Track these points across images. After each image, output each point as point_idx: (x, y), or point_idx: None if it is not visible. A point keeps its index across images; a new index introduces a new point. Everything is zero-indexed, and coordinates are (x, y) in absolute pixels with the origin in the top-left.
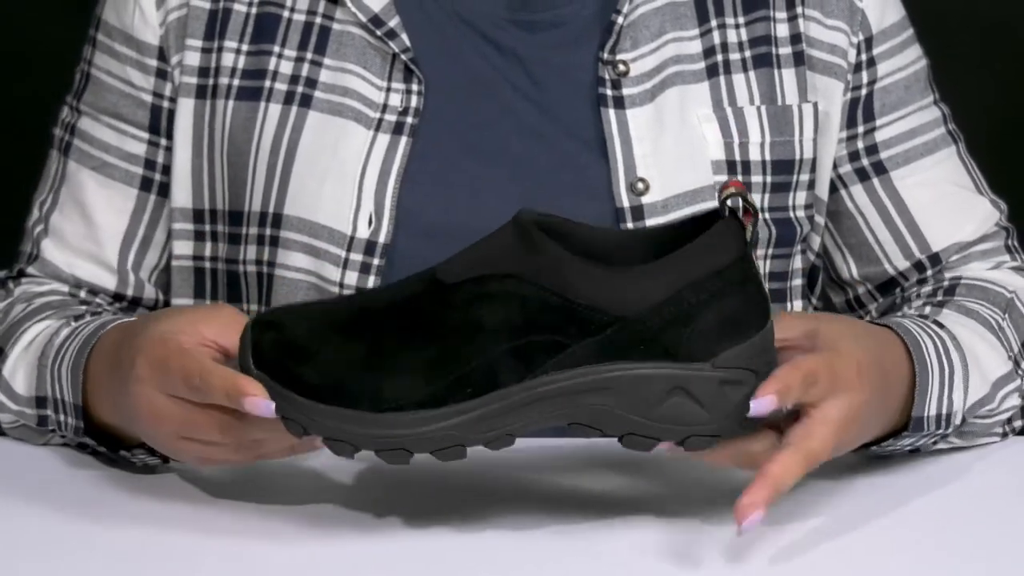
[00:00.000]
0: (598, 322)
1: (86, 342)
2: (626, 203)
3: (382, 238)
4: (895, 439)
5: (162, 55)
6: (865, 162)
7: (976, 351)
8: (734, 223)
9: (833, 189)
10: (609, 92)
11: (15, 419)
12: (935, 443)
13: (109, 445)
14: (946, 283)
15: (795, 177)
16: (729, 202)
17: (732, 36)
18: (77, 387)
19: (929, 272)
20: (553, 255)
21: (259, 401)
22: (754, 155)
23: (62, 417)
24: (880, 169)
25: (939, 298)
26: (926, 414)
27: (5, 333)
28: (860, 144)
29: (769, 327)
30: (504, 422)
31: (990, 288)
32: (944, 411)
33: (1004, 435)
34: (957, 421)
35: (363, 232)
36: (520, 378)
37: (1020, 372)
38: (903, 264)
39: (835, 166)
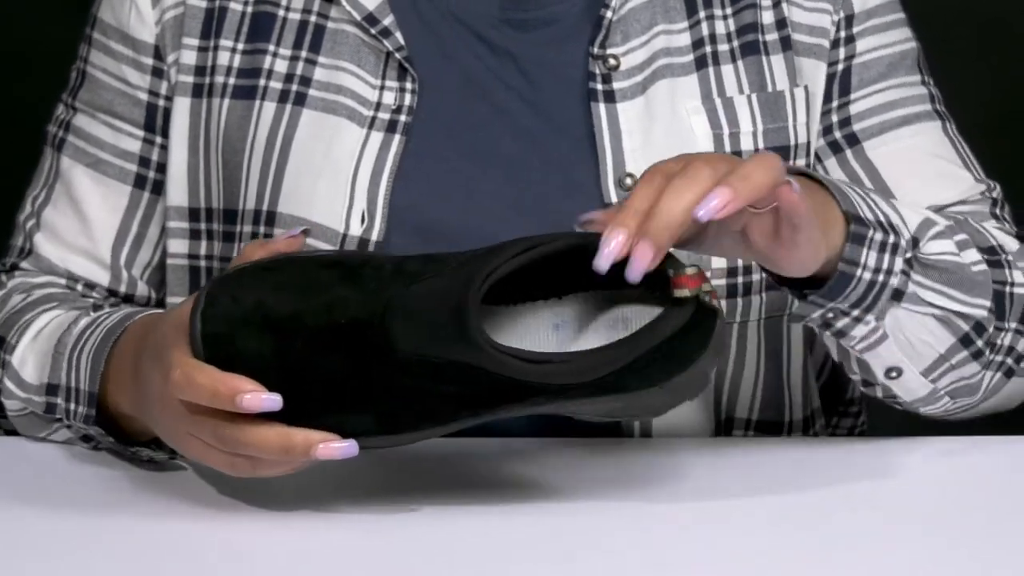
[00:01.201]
0: (551, 389)
1: (110, 332)
2: (615, 198)
3: (375, 236)
4: (851, 245)
5: (158, 53)
6: (838, 135)
7: (898, 205)
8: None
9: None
10: (599, 87)
11: (22, 407)
12: (905, 273)
13: (117, 437)
14: None
15: (791, 163)
16: (687, 292)
17: (720, 27)
18: (96, 375)
19: None
20: (497, 359)
21: (261, 396)
22: (746, 144)
23: (72, 406)
24: (853, 140)
25: None
26: (862, 214)
27: (6, 322)
28: (834, 118)
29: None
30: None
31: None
32: (882, 218)
33: (1009, 372)
34: (905, 234)
35: (356, 230)
36: (475, 415)
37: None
38: None
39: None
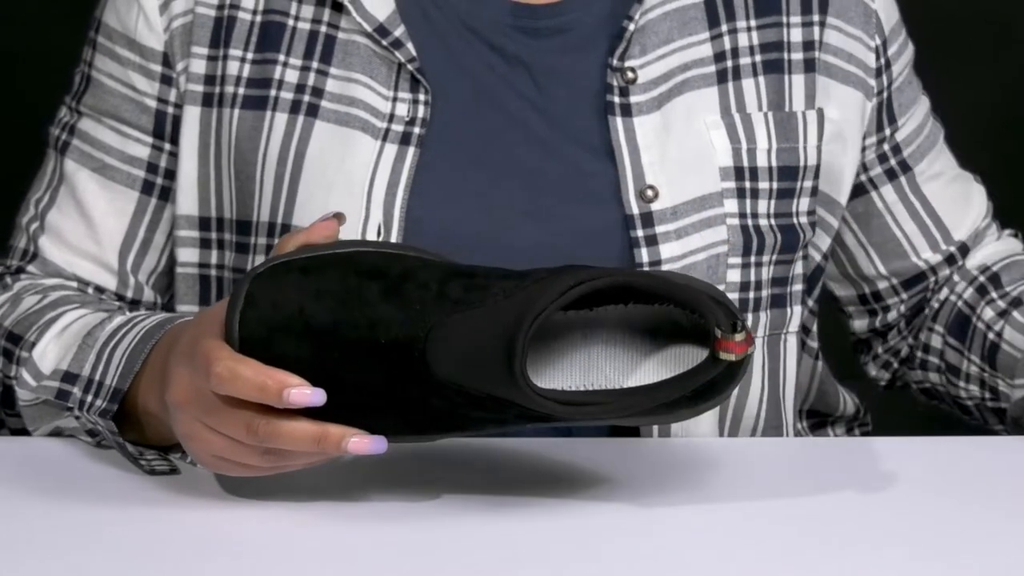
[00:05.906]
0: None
1: (149, 334)
2: (636, 210)
3: None
4: None
5: (167, 61)
6: (893, 162)
7: None
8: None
9: (862, 192)
10: (616, 100)
11: (35, 396)
12: None
13: (125, 437)
14: (978, 275)
15: (799, 183)
16: (732, 357)
17: (743, 40)
18: (128, 374)
19: (960, 262)
20: (538, 402)
21: (305, 391)
22: (761, 161)
23: (89, 397)
24: (905, 167)
25: (992, 295)
26: None
27: (23, 321)
28: (887, 146)
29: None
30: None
31: (1017, 259)
32: None
33: None
34: None
35: None
36: (502, 427)
37: None
38: (933, 257)
39: (865, 169)
